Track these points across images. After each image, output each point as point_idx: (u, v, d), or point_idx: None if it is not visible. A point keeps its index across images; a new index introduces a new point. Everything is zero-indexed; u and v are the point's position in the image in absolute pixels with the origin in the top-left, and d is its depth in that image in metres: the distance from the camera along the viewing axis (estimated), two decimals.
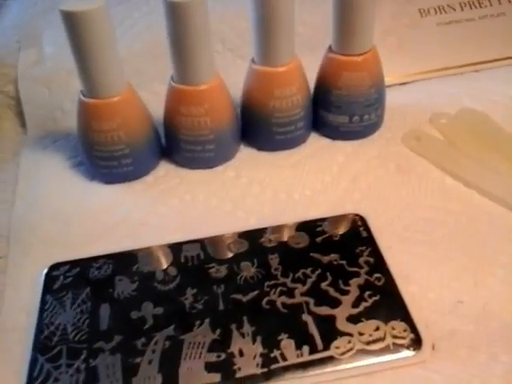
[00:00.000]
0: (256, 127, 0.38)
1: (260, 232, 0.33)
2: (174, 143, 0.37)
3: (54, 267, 0.31)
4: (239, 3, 0.38)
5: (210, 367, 0.25)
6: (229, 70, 0.43)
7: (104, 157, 0.35)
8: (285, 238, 0.32)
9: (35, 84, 0.42)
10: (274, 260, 0.31)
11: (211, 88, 0.35)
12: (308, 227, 0.33)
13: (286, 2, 0.33)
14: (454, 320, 0.27)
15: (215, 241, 0.32)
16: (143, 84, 0.43)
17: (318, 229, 0.33)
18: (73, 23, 0.30)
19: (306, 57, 0.39)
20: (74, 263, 0.31)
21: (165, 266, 0.31)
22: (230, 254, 0.31)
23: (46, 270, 0.31)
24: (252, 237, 0.33)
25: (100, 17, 0.30)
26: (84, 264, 0.31)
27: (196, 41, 0.32)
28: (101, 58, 0.32)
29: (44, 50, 0.43)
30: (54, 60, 0.43)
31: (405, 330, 0.27)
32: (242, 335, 0.27)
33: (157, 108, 0.38)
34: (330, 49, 0.37)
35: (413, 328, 0.27)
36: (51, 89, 0.43)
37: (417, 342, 0.26)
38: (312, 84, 0.39)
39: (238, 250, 0.32)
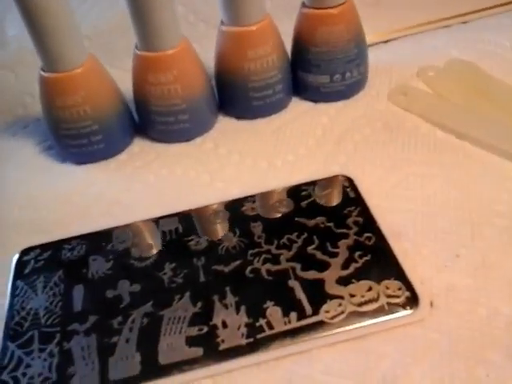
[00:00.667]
0: (232, 94, 0.36)
1: (241, 201, 0.31)
2: (145, 117, 0.35)
3: (25, 252, 0.29)
4: None
5: (191, 342, 0.24)
6: (202, 41, 0.41)
7: (72, 135, 0.33)
8: (267, 206, 0.30)
9: (1, 69, 0.40)
10: (256, 228, 0.29)
11: (178, 52, 0.32)
12: (292, 193, 0.31)
13: None
14: (451, 275, 0.26)
15: (194, 213, 0.31)
16: (112, 61, 0.41)
17: (303, 193, 0.31)
18: None
19: (281, 20, 0.37)
20: (45, 246, 0.29)
21: (142, 242, 0.29)
22: (211, 226, 0.30)
23: (16, 256, 0.29)
24: (232, 207, 0.31)
25: None
26: (56, 246, 0.29)
27: (157, 2, 0.30)
28: (57, 28, 0.30)
29: (7, 34, 0.41)
30: (19, 43, 0.41)
31: (399, 289, 0.25)
32: (225, 306, 0.25)
33: (128, 84, 0.36)
34: (303, 4, 0.35)
35: (408, 286, 0.25)
36: (18, 73, 0.41)
37: (413, 300, 0.24)
38: (290, 49, 0.38)
39: (218, 221, 0.30)
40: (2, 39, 0.41)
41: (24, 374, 0.23)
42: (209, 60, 0.37)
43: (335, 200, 0.30)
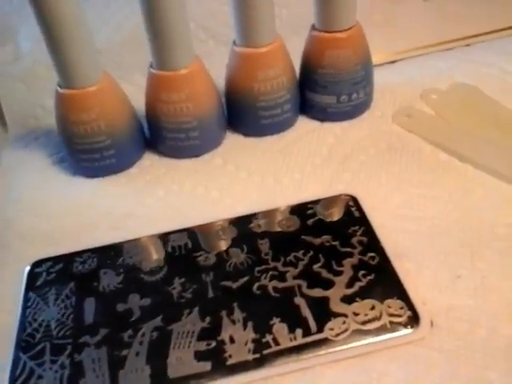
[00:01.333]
0: (241, 112, 0.37)
1: (249, 218, 0.32)
2: (157, 132, 0.36)
3: (37, 264, 0.30)
4: None
5: (199, 356, 0.24)
6: (212, 58, 0.42)
7: (85, 149, 0.34)
8: (274, 223, 0.31)
9: (14, 81, 0.41)
10: (264, 245, 0.30)
11: (191, 72, 0.33)
12: (298, 210, 0.32)
13: None
14: (452, 295, 0.26)
15: (203, 229, 0.31)
16: (125, 76, 0.42)
17: (309, 211, 0.32)
18: (43, 11, 0.29)
19: (291, 40, 0.39)
20: (57, 259, 0.30)
21: (151, 256, 0.30)
22: (219, 242, 0.30)
23: (28, 268, 0.30)
24: (241, 223, 0.31)
25: (71, 4, 0.29)
26: (67, 259, 0.30)
27: (173, 24, 0.31)
28: (74, 47, 0.31)
29: (21, 47, 0.42)
30: (32, 56, 0.42)
31: (401, 308, 0.26)
32: (233, 322, 0.26)
33: (140, 100, 0.37)
34: (313, 27, 0.36)
35: (409, 305, 0.26)
36: (30, 85, 0.42)
37: (414, 320, 0.25)
38: (298, 67, 0.39)
39: (226, 237, 0.31)
40: (17, 52, 0.42)
41: None
42: (218, 76, 0.38)
43: (340, 219, 0.31)
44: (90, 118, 0.33)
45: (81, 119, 0.33)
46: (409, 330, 0.25)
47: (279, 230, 0.31)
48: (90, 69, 0.32)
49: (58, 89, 0.33)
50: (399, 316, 0.25)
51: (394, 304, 0.26)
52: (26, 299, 0.28)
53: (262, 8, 0.33)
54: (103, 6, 0.45)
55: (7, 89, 0.41)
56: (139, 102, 0.37)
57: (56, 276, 0.29)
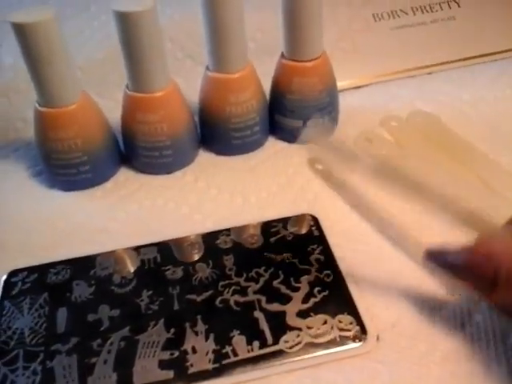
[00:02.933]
0: (213, 132, 0.39)
1: (216, 234, 0.34)
2: (132, 149, 0.38)
3: (13, 274, 0.32)
4: (198, 11, 0.39)
5: (163, 365, 0.26)
6: (188, 76, 0.44)
7: (62, 165, 0.36)
8: (240, 240, 0.33)
9: None
10: (228, 261, 0.32)
11: (166, 95, 0.36)
12: (263, 228, 0.34)
13: (236, 11, 0.34)
14: (397, 312, 0.29)
15: (172, 244, 0.33)
16: (104, 92, 0.44)
17: (273, 229, 0.34)
18: (24, 35, 0.31)
19: (264, 62, 0.41)
20: (32, 269, 0.32)
21: (122, 269, 0.32)
22: (187, 256, 0.32)
23: (4, 277, 0.32)
24: (208, 239, 0.34)
25: (50, 28, 0.31)
26: (42, 270, 0.32)
27: (147, 50, 0.33)
28: (53, 69, 0.32)
29: (3, 61, 0.44)
30: (14, 71, 0.43)
31: (351, 323, 0.28)
32: (196, 333, 0.28)
33: (118, 116, 0.39)
34: (282, 55, 0.39)
35: (358, 321, 0.28)
36: (12, 99, 0.43)
37: (362, 334, 0.27)
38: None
39: (194, 252, 0.33)
40: None
41: None
42: (193, 95, 0.40)
43: (301, 237, 0.33)
44: (67, 136, 0.34)
45: (58, 137, 0.34)
46: (357, 344, 0.27)
47: (244, 246, 0.33)
48: (68, 90, 0.34)
49: (37, 106, 0.35)
50: (349, 330, 0.28)
51: (345, 319, 0.28)
52: (2, 307, 0.30)
53: (233, 38, 0.35)
54: (85, 25, 0.46)
55: None
56: (117, 118, 0.39)
57: (31, 286, 0.31)
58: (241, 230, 0.34)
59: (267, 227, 0.34)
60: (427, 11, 0.51)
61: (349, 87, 0.47)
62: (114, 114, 0.39)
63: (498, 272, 0.24)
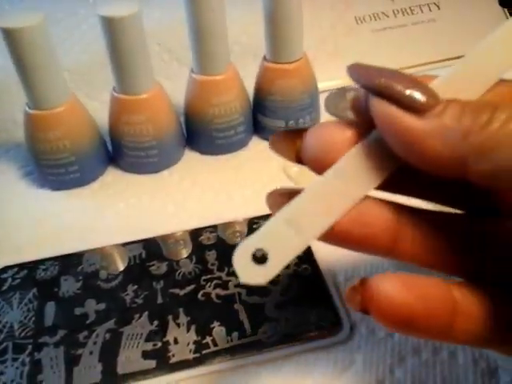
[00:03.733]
0: (198, 133, 0.41)
1: (200, 231, 0.35)
2: (119, 150, 0.39)
3: (3, 270, 0.33)
4: (183, 14, 0.41)
5: (146, 355, 0.28)
6: (175, 78, 0.46)
7: (51, 165, 0.37)
8: (224, 236, 0.35)
9: None
10: (211, 256, 0.33)
11: (151, 97, 0.37)
12: (246, 225, 0.35)
13: (218, 16, 0.35)
14: None
15: (157, 240, 0.35)
16: (92, 93, 0.45)
17: (255, 226, 0.35)
18: (12, 39, 0.32)
19: (249, 65, 0.42)
20: (22, 266, 0.33)
21: (109, 265, 0.33)
22: (171, 252, 0.34)
23: None
24: (192, 236, 0.35)
25: (38, 32, 0.32)
26: (31, 266, 0.33)
27: (132, 54, 0.34)
28: (41, 72, 0.34)
29: None
30: (4, 72, 0.44)
31: (327, 315, 0.29)
32: (178, 325, 0.29)
33: (106, 116, 0.40)
34: (264, 58, 0.40)
35: (334, 312, 0.29)
36: (2, 100, 0.44)
37: (337, 325, 0.29)
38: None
39: (178, 248, 0.34)
40: None
41: None
42: (180, 96, 0.42)
43: None
44: (55, 137, 0.36)
45: (47, 138, 0.36)
46: (332, 335, 0.28)
47: (227, 242, 0.34)
48: (56, 92, 0.35)
49: (27, 109, 0.36)
50: (324, 321, 0.29)
51: (321, 311, 0.29)
52: None
53: (216, 41, 0.36)
54: (73, 27, 0.47)
55: None
56: (105, 118, 0.40)
57: (20, 281, 0.32)
58: (224, 226, 0.35)
59: (250, 224, 0.35)
60: (408, 14, 0.52)
61: (331, 88, 0.48)
62: (101, 115, 0.40)
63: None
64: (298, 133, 0.20)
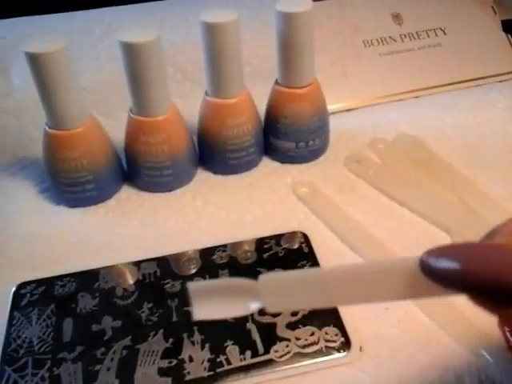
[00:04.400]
0: (211, 153, 0.42)
1: (213, 250, 0.36)
2: (134, 169, 0.40)
3: (22, 286, 0.34)
4: (198, 36, 0.42)
5: (162, 372, 0.29)
6: (188, 98, 0.47)
7: (68, 183, 0.38)
8: (235, 255, 0.36)
9: (4, 114, 0.45)
10: (224, 275, 0.34)
11: (167, 119, 0.38)
12: (256, 244, 0.36)
13: (233, 42, 0.37)
14: (380, 325, 0.31)
15: (171, 258, 0.36)
16: (107, 112, 0.47)
17: (266, 246, 0.36)
18: (36, 63, 0.33)
19: (260, 86, 0.43)
20: (40, 282, 0.34)
21: (124, 282, 0.34)
22: (185, 271, 0.35)
23: (14, 289, 0.34)
24: (205, 254, 0.36)
25: (61, 58, 0.34)
26: (49, 282, 0.34)
27: (151, 78, 0.36)
28: (62, 95, 0.35)
29: (13, 82, 0.46)
30: (23, 91, 0.46)
31: (336, 335, 0.30)
32: (192, 343, 0.30)
33: (120, 133, 0.41)
34: (276, 81, 0.41)
35: (343, 332, 0.30)
36: (20, 118, 0.46)
37: (346, 345, 0.30)
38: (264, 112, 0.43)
39: (192, 267, 0.35)
40: (8, 87, 0.46)
41: None
42: (192, 115, 0.43)
43: (292, 254, 0.36)
44: (73, 156, 0.37)
45: (65, 157, 0.37)
46: (341, 354, 0.29)
47: (238, 261, 0.35)
48: (75, 113, 0.36)
49: (47, 128, 0.37)
50: (334, 341, 0.30)
51: (331, 331, 0.30)
52: (11, 318, 0.32)
53: (231, 67, 0.38)
54: (90, 48, 0.49)
55: None
56: (119, 135, 0.41)
57: (39, 297, 0.33)
58: (236, 245, 0.36)
59: (261, 244, 0.37)
60: (415, 38, 0.54)
61: (339, 110, 0.49)
62: (115, 134, 0.42)
63: None
64: None
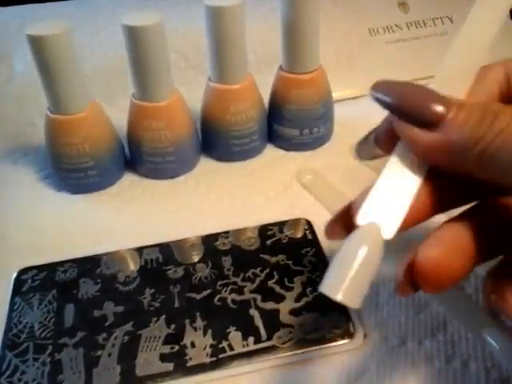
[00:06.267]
0: (214, 140, 0.41)
1: (215, 236, 0.36)
2: (136, 155, 0.40)
3: (23, 272, 0.34)
4: (201, 24, 0.42)
5: (164, 358, 0.28)
6: (191, 85, 0.46)
7: (70, 169, 0.38)
8: (238, 242, 0.35)
9: (6, 100, 0.45)
10: (227, 261, 0.34)
11: (169, 104, 0.38)
12: (260, 231, 0.36)
13: (237, 27, 0.36)
14: (386, 311, 0.31)
15: (174, 245, 0.35)
16: (110, 99, 0.46)
17: (269, 232, 0.36)
18: (38, 47, 0.33)
19: (263, 73, 0.43)
20: (41, 267, 0.34)
21: (126, 268, 0.34)
22: (188, 257, 0.34)
23: (15, 275, 0.33)
24: (208, 241, 0.35)
25: (63, 41, 0.33)
26: (51, 268, 0.34)
27: (154, 63, 0.35)
28: (65, 79, 0.34)
29: (15, 68, 0.46)
30: (25, 77, 0.45)
31: (340, 321, 0.30)
32: (195, 329, 0.30)
33: (123, 121, 0.41)
34: (280, 68, 0.41)
35: (347, 319, 0.30)
36: (22, 105, 0.45)
37: (350, 332, 0.29)
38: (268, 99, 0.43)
39: (195, 253, 0.35)
40: (10, 74, 0.46)
41: (19, 380, 0.28)
42: (195, 103, 0.42)
43: (296, 240, 0.35)
44: (76, 142, 0.36)
45: (68, 142, 0.36)
46: (345, 341, 0.29)
47: (242, 248, 0.35)
48: (78, 98, 0.36)
49: (48, 113, 0.37)
50: (338, 328, 0.29)
51: (335, 317, 0.30)
52: (13, 303, 0.32)
53: (235, 52, 0.37)
54: (93, 35, 0.48)
55: (0, 108, 0.45)
56: (122, 123, 0.41)
57: (40, 283, 0.33)
58: (239, 232, 0.36)
59: (264, 230, 0.36)
60: (421, 26, 0.53)
61: (344, 98, 0.49)
62: (118, 120, 0.41)
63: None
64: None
